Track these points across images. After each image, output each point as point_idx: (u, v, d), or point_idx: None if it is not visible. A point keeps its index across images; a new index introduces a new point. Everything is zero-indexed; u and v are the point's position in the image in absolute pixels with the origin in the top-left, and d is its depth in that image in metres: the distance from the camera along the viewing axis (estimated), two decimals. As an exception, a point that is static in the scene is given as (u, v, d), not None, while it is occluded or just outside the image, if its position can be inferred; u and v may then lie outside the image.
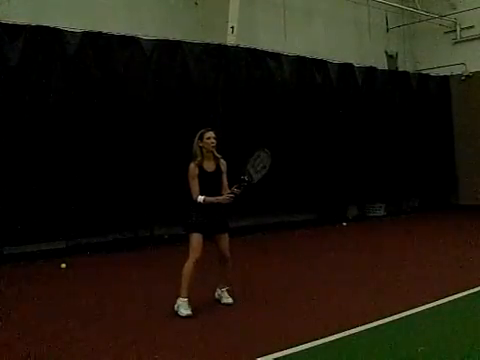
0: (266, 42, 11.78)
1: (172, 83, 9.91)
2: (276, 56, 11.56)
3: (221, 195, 5.23)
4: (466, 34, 14.82)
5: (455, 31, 15.02)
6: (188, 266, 5.12)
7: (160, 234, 10.07)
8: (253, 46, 11.25)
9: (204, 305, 5.41)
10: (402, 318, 4.84)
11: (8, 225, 8.17)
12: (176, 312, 5.11)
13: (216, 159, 5.34)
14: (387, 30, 15.27)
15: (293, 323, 4.85)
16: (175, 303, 5.16)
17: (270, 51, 11.48)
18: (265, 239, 10.47)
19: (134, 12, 10.41)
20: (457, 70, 14.84)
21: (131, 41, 9.54)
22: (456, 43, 15.05)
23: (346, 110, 12.61)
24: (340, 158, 12.36)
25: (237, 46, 10.90)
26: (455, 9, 14.70)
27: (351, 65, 12.98)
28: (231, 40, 10.81)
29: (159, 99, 9.71)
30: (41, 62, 8.59)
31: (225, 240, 5.37)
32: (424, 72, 15.05)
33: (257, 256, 8.60)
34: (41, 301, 5.91)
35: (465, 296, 5.56)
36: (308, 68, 12.12)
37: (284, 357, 4.00)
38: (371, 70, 13.45)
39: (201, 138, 5.27)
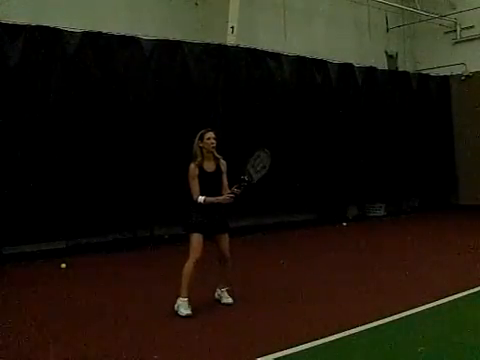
0: (266, 42, 11.78)
1: (172, 83, 9.91)
2: (276, 56, 11.56)
3: (221, 195, 5.23)
4: (466, 34, 14.82)
5: (455, 31, 15.02)
6: (188, 266, 5.13)
7: (160, 234, 10.07)
8: (253, 46, 11.25)
9: (204, 305, 5.41)
10: (402, 318, 4.84)
11: (8, 225, 8.16)
12: (176, 312, 5.11)
13: (216, 159, 5.34)
14: (387, 30, 15.27)
15: (293, 323, 4.85)
16: (175, 303, 5.17)
17: (270, 51, 11.48)
18: (265, 239, 10.47)
19: (134, 12, 10.41)
20: (457, 70, 14.84)
21: (131, 41, 9.54)
22: (456, 43, 15.05)
23: (346, 110, 12.61)
24: (340, 158, 12.36)
25: (237, 46, 10.90)
26: (455, 9, 14.70)
27: (351, 65, 12.98)
28: (231, 40, 10.81)
29: (159, 99, 9.71)
30: (41, 62, 8.59)
31: (225, 240, 5.37)
32: (424, 72, 15.05)
33: (257, 256, 8.60)
34: (41, 301, 5.91)
35: (465, 296, 5.56)
36: (308, 68, 12.12)
37: (284, 357, 4.00)
38: (371, 70, 13.45)
39: (201, 138, 5.27)
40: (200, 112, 9.93)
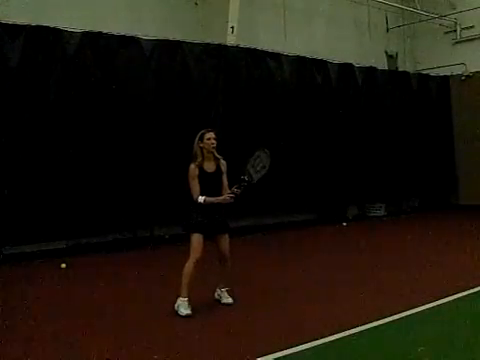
0: (266, 42, 11.78)
1: (172, 83, 9.91)
2: (276, 56, 11.55)
3: (221, 195, 5.24)
4: (466, 34, 14.82)
5: (455, 31, 15.02)
6: (188, 266, 5.13)
7: (160, 234, 10.07)
8: (253, 46, 11.24)
9: (204, 305, 5.41)
10: (402, 318, 4.84)
11: (8, 225, 8.16)
12: (176, 312, 5.11)
13: (216, 160, 5.35)
14: (387, 30, 15.27)
15: (293, 323, 4.85)
16: (175, 303, 5.17)
17: (270, 51, 11.47)
18: (265, 239, 10.47)
19: (134, 12, 10.41)
20: (457, 70, 14.83)
21: (131, 41, 9.54)
22: (456, 43, 15.04)
23: (346, 110, 12.61)
24: (340, 158, 12.36)
25: (237, 46, 10.89)
26: (455, 9, 14.69)
27: (351, 65, 12.97)
28: (231, 40, 10.80)
29: (159, 99, 9.71)
30: (41, 62, 8.59)
31: (225, 240, 5.38)
32: (424, 72, 15.05)
33: (257, 256, 8.60)
34: (41, 301, 5.91)
35: (465, 296, 5.56)
36: (308, 68, 12.11)
37: (284, 357, 4.00)
38: (371, 70, 13.44)
39: (201, 139, 5.27)
40: (200, 112, 9.93)
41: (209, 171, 5.28)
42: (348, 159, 12.50)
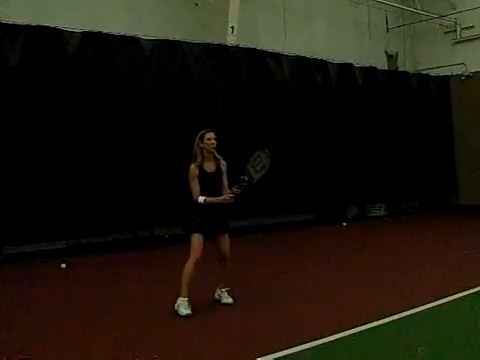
0: (266, 42, 11.78)
1: (172, 83, 9.91)
2: (276, 56, 11.55)
3: (221, 195, 5.24)
4: (466, 34, 14.82)
5: (455, 31, 15.02)
6: (188, 266, 5.13)
7: (160, 234, 10.07)
8: (253, 46, 11.24)
9: (204, 305, 5.41)
10: (402, 318, 4.84)
11: (8, 225, 8.16)
12: (176, 311, 5.12)
13: (216, 160, 5.35)
14: (387, 30, 15.27)
15: (293, 323, 4.85)
16: (175, 303, 5.17)
17: (270, 51, 11.47)
18: (265, 239, 10.47)
19: (134, 12, 10.41)
20: (457, 70, 14.83)
21: (131, 41, 9.54)
22: (456, 43, 15.04)
23: (346, 110, 12.61)
24: (340, 158, 12.36)
25: (237, 46, 10.89)
26: (455, 9, 14.70)
27: (351, 65, 12.97)
28: (231, 40, 10.80)
29: (159, 99, 9.71)
30: (41, 62, 8.59)
31: (225, 241, 5.38)
32: (424, 72, 15.05)
33: (257, 256, 8.61)
34: (41, 301, 5.91)
35: (465, 296, 5.56)
36: (308, 68, 12.11)
37: (284, 357, 4.00)
38: (371, 70, 13.44)
39: (201, 139, 5.28)
40: (200, 112, 9.93)
41: (209, 171, 5.28)
42: (348, 159, 12.50)
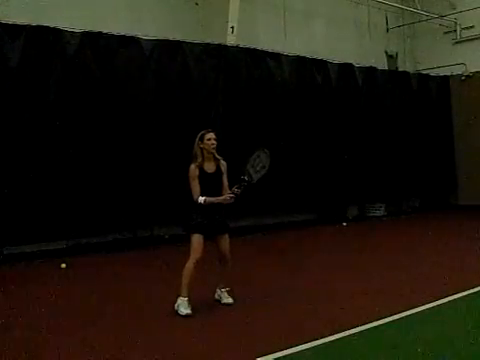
0: (266, 42, 11.78)
1: (172, 83, 9.91)
2: (276, 56, 11.56)
3: (221, 196, 5.24)
4: (466, 34, 14.83)
5: (455, 31, 15.03)
6: (188, 266, 5.14)
7: (160, 234, 10.07)
8: (253, 46, 11.25)
9: (204, 305, 5.41)
10: (402, 318, 4.84)
11: (8, 225, 8.16)
12: (176, 311, 5.12)
13: (216, 160, 5.35)
14: (387, 30, 15.27)
15: (293, 323, 4.85)
16: (175, 302, 5.17)
17: (270, 51, 11.48)
18: (265, 239, 10.47)
19: (134, 12, 10.41)
20: (457, 70, 14.84)
21: (131, 41, 9.54)
22: (456, 43, 15.05)
23: (346, 110, 12.61)
24: (340, 158, 12.36)
25: (237, 46, 10.90)
26: (455, 9, 14.70)
27: (351, 65, 12.98)
28: (231, 40, 10.81)
29: (159, 99, 9.71)
30: (41, 62, 8.59)
31: (225, 241, 5.38)
32: (424, 72, 15.06)
33: (257, 256, 8.61)
34: (41, 301, 5.90)
35: (465, 296, 5.55)
36: (308, 68, 12.12)
37: (284, 357, 3.99)
38: (371, 70, 13.45)
39: (201, 139, 5.28)
40: (200, 112, 9.94)
41: (209, 171, 5.28)
42: (348, 159, 12.49)
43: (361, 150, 12.80)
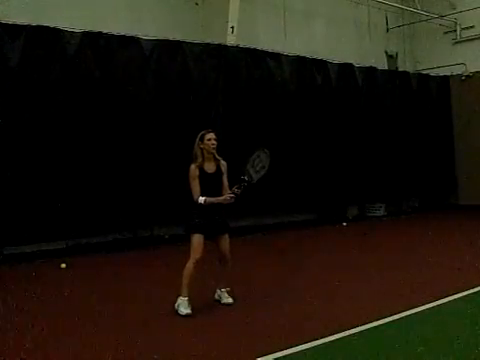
0: (266, 42, 11.78)
1: (172, 83, 9.91)
2: (276, 56, 11.55)
3: (222, 196, 5.24)
4: (466, 34, 14.83)
5: (455, 31, 15.03)
6: (189, 267, 5.14)
7: (160, 234, 10.07)
8: (253, 46, 11.25)
9: (204, 305, 5.41)
10: (402, 318, 4.84)
11: (8, 225, 8.16)
12: (176, 311, 5.12)
13: (216, 160, 5.35)
14: (387, 30, 15.27)
15: (293, 323, 4.85)
16: (175, 302, 5.18)
17: (270, 51, 11.47)
18: (265, 239, 10.47)
19: (134, 12, 10.41)
20: (457, 70, 14.84)
21: (131, 41, 9.54)
22: (456, 43, 15.05)
23: (346, 110, 12.61)
24: (340, 158, 12.36)
25: (237, 46, 10.90)
26: (455, 9, 14.70)
27: (351, 65, 12.98)
28: (231, 40, 10.81)
29: (159, 99, 9.71)
30: (41, 62, 8.59)
31: (226, 241, 5.38)
32: (424, 72, 15.06)
33: (257, 256, 8.61)
34: (41, 301, 5.91)
35: (465, 296, 5.56)
36: (308, 68, 12.12)
37: (284, 357, 4.00)
38: (371, 70, 13.45)
39: (202, 139, 5.28)
40: (200, 112, 9.94)
41: (209, 172, 5.28)
42: (348, 159, 12.50)
43: (361, 150, 12.80)
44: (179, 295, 5.16)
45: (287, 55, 11.80)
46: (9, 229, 8.19)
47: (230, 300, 5.48)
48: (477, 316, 4.93)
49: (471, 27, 14.63)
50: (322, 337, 4.34)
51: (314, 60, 12.27)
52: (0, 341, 4.53)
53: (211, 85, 10.44)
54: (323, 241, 10.32)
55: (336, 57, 12.88)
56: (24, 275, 7.34)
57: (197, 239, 5.15)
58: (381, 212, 13.66)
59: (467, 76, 14.76)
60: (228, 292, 5.54)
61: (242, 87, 10.82)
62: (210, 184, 5.22)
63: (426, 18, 15.00)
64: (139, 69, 9.59)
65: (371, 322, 4.70)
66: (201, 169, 5.24)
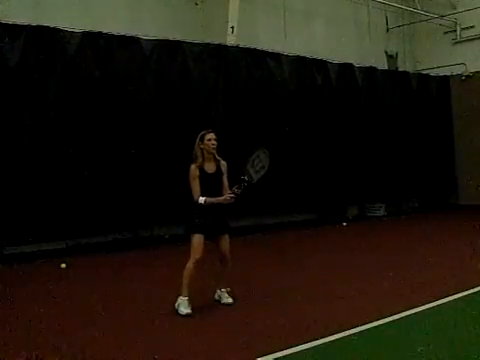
0: (266, 42, 11.78)
1: (172, 83, 9.91)
2: (276, 56, 11.55)
3: (222, 196, 5.24)
4: (466, 34, 14.83)
5: (455, 31, 15.04)
6: (189, 267, 5.14)
7: (160, 234, 10.07)
8: (253, 46, 11.24)
9: (204, 305, 5.41)
10: (402, 318, 4.84)
11: (8, 225, 8.16)
12: (176, 310, 5.12)
13: (216, 160, 5.35)
14: (387, 30, 15.27)
15: (293, 323, 4.85)
16: (175, 302, 5.18)
17: (270, 51, 11.47)
18: (265, 239, 10.47)
19: (134, 12, 10.42)
20: (457, 70, 14.85)
21: (131, 41, 9.54)
22: (456, 43, 15.06)
23: (346, 110, 12.61)
24: (340, 158, 12.36)
25: (237, 46, 10.90)
26: (455, 9, 14.71)
27: (351, 65, 12.98)
28: (231, 40, 10.81)
29: (159, 99, 9.71)
30: (41, 62, 8.59)
31: (226, 241, 5.38)
32: (424, 72, 15.06)
33: (257, 256, 8.60)
34: (41, 301, 5.90)
35: (465, 296, 5.55)
36: (308, 68, 12.12)
37: (284, 357, 4.00)
38: (371, 70, 13.45)
39: (202, 139, 5.28)
40: (200, 112, 9.93)
41: (209, 172, 5.28)
42: (348, 159, 12.50)
43: (361, 150, 12.80)
44: (179, 295, 5.16)
45: (287, 55, 11.79)
46: (9, 229, 8.19)
47: (230, 300, 5.48)
48: (477, 316, 4.93)
49: (471, 27, 14.64)
50: (322, 337, 4.34)
51: (314, 60, 12.27)
52: (0, 341, 4.52)
53: (211, 85, 10.44)
54: (323, 241, 10.32)
55: (336, 57, 12.88)
56: (24, 275, 7.34)
57: (197, 239, 5.15)
58: (381, 212, 13.66)
59: (467, 76, 14.77)
60: (228, 292, 5.54)
61: (242, 87, 10.82)
62: (210, 184, 5.23)
63: (426, 18, 15.00)
64: (139, 69, 9.59)
65: (371, 322, 4.70)
66: (201, 169, 5.24)
